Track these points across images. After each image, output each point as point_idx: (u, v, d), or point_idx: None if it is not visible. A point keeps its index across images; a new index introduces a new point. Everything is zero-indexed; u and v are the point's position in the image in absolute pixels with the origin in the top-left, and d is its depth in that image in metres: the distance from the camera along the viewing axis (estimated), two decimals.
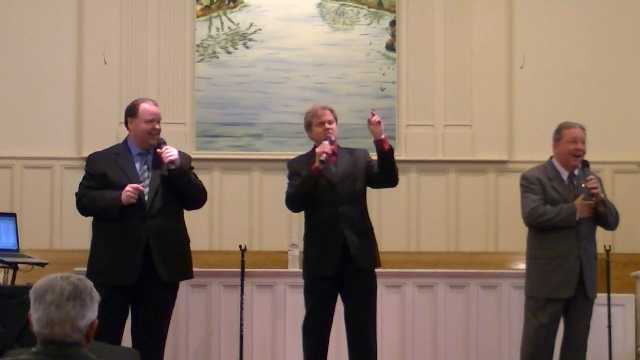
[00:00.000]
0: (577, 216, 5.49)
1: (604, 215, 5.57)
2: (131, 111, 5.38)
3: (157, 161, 5.35)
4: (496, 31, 8.11)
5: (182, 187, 5.30)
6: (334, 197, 5.39)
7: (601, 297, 6.02)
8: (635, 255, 7.69)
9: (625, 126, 8.03)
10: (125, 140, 5.44)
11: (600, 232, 5.78)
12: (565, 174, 5.62)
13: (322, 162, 5.31)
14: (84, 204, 5.34)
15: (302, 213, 5.68)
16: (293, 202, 5.51)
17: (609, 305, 6.54)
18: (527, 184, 5.66)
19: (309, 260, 5.50)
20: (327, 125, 5.47)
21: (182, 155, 5.45)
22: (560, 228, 5.51)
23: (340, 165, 5.48)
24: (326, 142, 5.36)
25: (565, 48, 8.12)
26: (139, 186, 5.19)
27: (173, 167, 5.23)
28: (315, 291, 5.43)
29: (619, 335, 6.83)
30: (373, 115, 5.40)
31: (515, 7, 8.14)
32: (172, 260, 5.27)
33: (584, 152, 5.60)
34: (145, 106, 5.36)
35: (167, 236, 5.26)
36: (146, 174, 5.31)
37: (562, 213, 5.51)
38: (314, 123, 5.53)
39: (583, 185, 5.51)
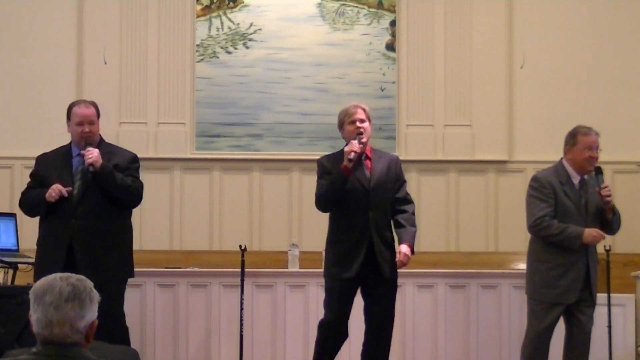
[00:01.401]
0: (580, 241, 5.44)
1: (611, 223, 5.56)
2: (67, 114, 5.50)
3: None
4: (496, 31, 8.10)
5: (106, 188, 5.35)
6: (366, 203, 5.36)
7: (601, 297, 6.02)
8: (635, 255, 7.69)
9: (625, 126, 8.02)
10: (71, 142, 5.56)
11: None
12: (576, 179, 5.58)
13: (350, 160, 5.27)
14: (21, 203, 5.55)
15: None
16: (323, 201, 5.45)
17: (609, 305, 6.53)
18: (539, 187, 5.58)
19: (332, 262, 5.47)
20: (358, 124, 5.41)
21: (122, 154, 5.54)
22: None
23: (375, 172, 5.44)
24: (355, 142, 5.32)
25: (565, 48, 8.12)
26: (61, 188, 5.27)
27: (92, 169, 5.29)
28: (335, 292, 5.42)
29: (619, 335, 6.82)
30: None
31: (515, 7, 8.14)
32: (98, 260, 5.27)
33: (597, 159, 5.58)
34: (76, 109, 5.45)
35: (93, 236, 5.31)
36: (79, 175, 5.40)
37: (565, 232, 5.45)
38: (345, 122, 5.47)
39: (597, 190, 5.49)
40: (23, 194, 5.57)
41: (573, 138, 5.60)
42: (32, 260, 6.41)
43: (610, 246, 6.62)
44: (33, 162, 7.82)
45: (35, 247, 5.62)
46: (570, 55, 8.11)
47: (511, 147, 8.07)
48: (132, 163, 5.56)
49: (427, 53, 8.07)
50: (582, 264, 5.50)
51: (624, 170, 7.96)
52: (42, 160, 5.59)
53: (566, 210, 5.51)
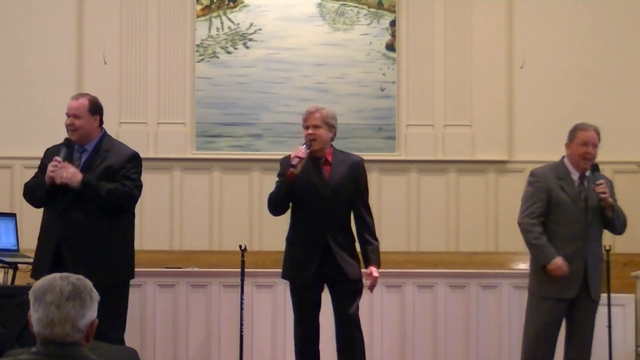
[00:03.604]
0: (545, 264, 5.46)
1: (612, 220, 5.56)
2: None
3: (90, 160, 5.27)
4: (496, 31, 8.11)
5: (91, 202, 5.18)
6: (322, 208, 5.36)
7: (601, 297, 5.99)
8: (635, 255, 7.69)
9: (625, 126, 8.03)
10: None
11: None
12: (575, 175, 5.59)
13: (293, 166, 5.28)
14: (25, 191, 5.38)
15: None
16: (272, 205, 5.50)
17: (609, 305, 6.53)
18: (533, 180, 5.62)
19: (289, 264, 5.49)
20: (310, 131, 5.38)
21: (119, 153, 5.31)
22: (568, 228, 5.51)
23: (333, 177, 5.42)
24: (302, 147, 5.33)
25: (565, 48, 8.12)
26: (56, 158, 5.13)
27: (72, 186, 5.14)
28: (299, 296, 5.44)
29: (619, 335, 6.82)
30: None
31: (515, 7, 8.14)
32: (88, 260, 5.05)
33: (594, 156, 5.57)
34: (70, 100, 5.31)
35: (84, 235, 5.12)
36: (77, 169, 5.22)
37: (539, 249, 5.50)
38: (303, 126, 5.47)
39: (592, 187, 5.51)
40: (26, 183, 5.41)
41: (572, 133, 5.63)
42: (32, 260, 6.42)
43: (610, 246, 6.61)
44: (33, 162, 7.86)
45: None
46: (570, 55, 8.11)
47: (511, 147, 8.08)
48: (129, 162, 5.33)
49: (427, 53, 8.08)
50: (580, 258, 5.49)
51: (624, 170, 7.97)
52: (49, 151, 5.44)
53: (560, 203, 5.53)
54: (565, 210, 5.53)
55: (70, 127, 5.26)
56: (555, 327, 5.54)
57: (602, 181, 5.50)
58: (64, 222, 5.16)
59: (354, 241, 5.51)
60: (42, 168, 5.35)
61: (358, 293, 5.46)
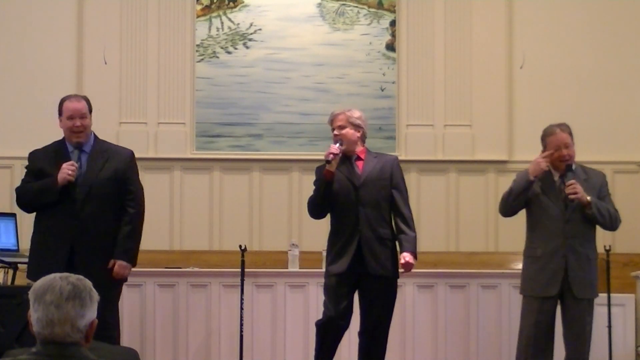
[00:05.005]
0: (527, 176, 5.51)
1: (593, 218, 5.54)
2: (59, 109, 5.39)
3: (90, 161, 5.33)
4: (496, 31, 8.11)
5: None
6: (356, 199, 5.41)
7: (601, 297, 5.98)
8: (635, 255, 7.68)
9: (625, 126, 8.03)
10: (63, 137, 5.44)
11: (600, 231, 5.74)
12: (556, 175, 5.63)
13: (328, 162, 5.35)
14: (22, 195, 5.37)
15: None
16: (311, 207, 5.55)
17: (609, 305, 6.53)
18: (513, 181, 5.73)
19: (328, 260, 5.53)
20: (336, 132, 5.51)
21: (118, 154, 5.43)
22: (547, 226, 5.51)
23: (366, 170, 5.50)
24: (335, 145, 5.41)
25: (565, 48, 8.12)
26: (73, 162, 5.20)
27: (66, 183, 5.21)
28: (331, 288, 5.45)
29: (619, 335, 6.83)
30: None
31: (515, 7, 8.14)
32: (98, 263, 5.16)
33: (571, 156, 5.56)
34: (67, 103, 5.34)
35: (94, 238, 5.22)
36: (78, 172, 5.25)
37: (514, 183, 5.61)
38: (331, 129, 5.59)
39: (562, 188, 5.52)
40: (20, 188, 5.41)
41: (543, 141, 5.71)
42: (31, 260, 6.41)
43: (610, 246, 6.62)
44: None
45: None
46: (570, 55, 8.11)
47: (511, 147, 8.08)
48: (131, 161, 5.48)
49: (427, 53, 8.08)
50: (560, 256, 5.48)
51: (624, 170, 7.96)
52: (38, 155, 5.44)
53: (539, 202, 5.56)
54: (544, 209, 5.56)
55: (79, 129, 5.30)
56: (545, 327, 5.51)
57: (572, 181, 5.48)
58: (75, 227, 5.21)
59: (394, 237, 5.51)
60: (36, 172, 5.35)
61: (385, 293, 5.46)
